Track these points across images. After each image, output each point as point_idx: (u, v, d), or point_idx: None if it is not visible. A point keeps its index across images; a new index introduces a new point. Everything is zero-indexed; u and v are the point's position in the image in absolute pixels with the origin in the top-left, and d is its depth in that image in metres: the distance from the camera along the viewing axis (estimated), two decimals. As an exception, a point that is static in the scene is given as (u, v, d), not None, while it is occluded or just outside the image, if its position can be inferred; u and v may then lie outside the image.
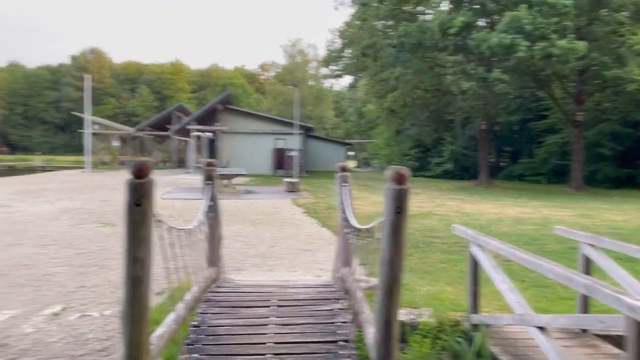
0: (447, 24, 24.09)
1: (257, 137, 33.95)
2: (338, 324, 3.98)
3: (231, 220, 12.65)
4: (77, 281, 7.29)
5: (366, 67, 35.09)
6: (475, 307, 5.22)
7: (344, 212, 5.09)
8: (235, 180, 20.99)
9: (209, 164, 5.67)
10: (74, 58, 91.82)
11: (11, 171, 47.22)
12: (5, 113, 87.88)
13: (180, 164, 41.65)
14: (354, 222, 4.59)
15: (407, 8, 29.65)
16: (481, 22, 27.38)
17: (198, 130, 31.91)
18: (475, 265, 5.14)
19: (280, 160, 33.83)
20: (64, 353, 4.98)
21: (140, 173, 2.85)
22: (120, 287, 6.97)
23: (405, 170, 3.01)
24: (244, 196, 18.72)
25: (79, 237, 10.42)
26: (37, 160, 69.83)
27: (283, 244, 10.03)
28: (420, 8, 30.29)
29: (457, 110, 34.09)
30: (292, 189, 21.07)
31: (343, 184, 5.40)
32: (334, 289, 5.00)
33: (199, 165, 32.73)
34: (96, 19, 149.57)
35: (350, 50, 41.20)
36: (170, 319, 3.55)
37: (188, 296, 3.87)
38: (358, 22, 34.43)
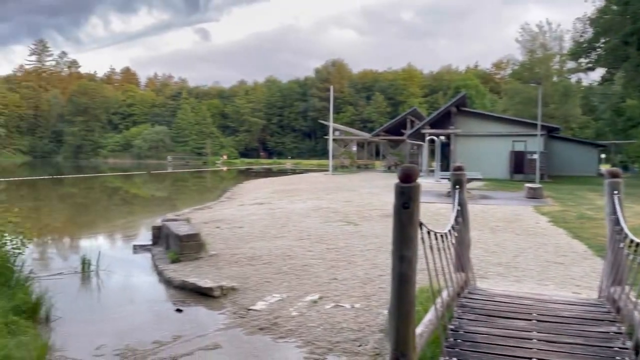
0: None
1: (492, 140, 32.45)
2: (616, 349, 3.50)
3: (469, 226, 12.33)
4: (330, 274, 8.02)
5: (627, 57, 30.35)
6: None
7: (616, 223, 4.46)
8: (469, 185, 20.42)
9: (457, 169, 5.61)
10: (317, 71, 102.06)
11: (268, 173, 54.90)
12: (264, 123, 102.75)
13: (413, 167, 42.41)
14: (630, 235, 3.99)
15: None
16: None
17: (432, 134, 32.08)
18: None
19: (519, 163, 31.66)
20: (323, 338, 5.51)
21: (408, 178, 2.98)
22: (368, 283, 7.42)
23: None
24: (480, 201, 18.08)
25: (327, 234, 11.48)
26: (288, 163, 79.71)
27: (528, 254, 9.33)
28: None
29: None
30: (534, 195, 19.49)
31: (614, 192, 4.74)
32: (604, 310, 4.43)
33: (431, 169, 32.86)
34: (335, 32, 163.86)
35: (605, 40, 36.13)
36: (427, 319, 3.62)
37: (442, 299, 3.89)
38: (616, 8, 30.00)
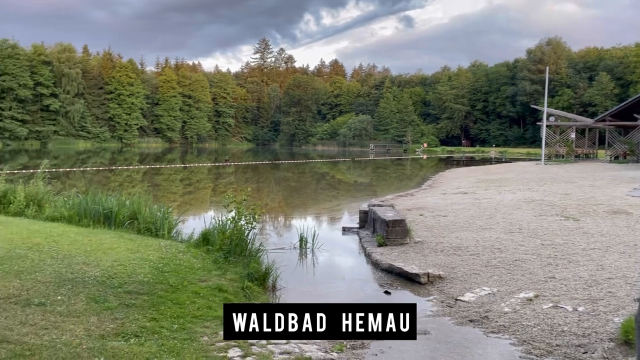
0: None
1: None
2: None
3: None
4: (546, 271, 7.35)
5: None
6: None
7: None
8: None
9: None
10: (529, 52, 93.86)
11: (470, 161, 52.83)
12: (468, 109, 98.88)
13: (646, 157, 36.33)
14: None
15: None
16: None
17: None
18: None
19: None
20: (541, 339, 5.08)
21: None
22: (593, 286, 6.60)
23: None
24: None
25: (542, 228, 10.54)
26: (492, 151, 75.55)
27: None
28: None
29: None
30: None
31: None
32: None
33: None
34: (553, 8, 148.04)
35: None
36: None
37: None
38: None
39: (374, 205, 11.41)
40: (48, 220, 9.31)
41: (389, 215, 9.86)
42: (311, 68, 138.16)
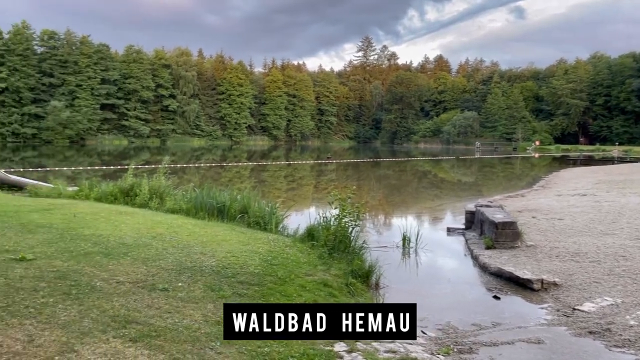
0: None
1: None
2: None
3: None
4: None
5: None
6: None
7: None
8: None
9: None
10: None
11: (589, 161, 48.72)
12: (586, 104, 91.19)
13: None
14: None
15: None
16: None
17: None
18: None
19: None
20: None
21: None
22: None
23: None
24: None
25: (676, 236, 9.45)
26: (615, 150, 69.05)
27: None
28: None
29: None
30: None
31: None
32: None
33: None
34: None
35: None
36: None
37: None
38: None
39: (481, 206, 10.96)
40: (168, 212, 10.10)
41: (498, 216, 9.42)
42: (414, 64, 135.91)
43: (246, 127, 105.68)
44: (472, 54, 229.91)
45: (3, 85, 74.36)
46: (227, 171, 31.26)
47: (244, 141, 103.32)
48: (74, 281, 4.85)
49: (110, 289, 4.76)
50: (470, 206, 11.85)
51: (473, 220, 10.95)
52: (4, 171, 17.46)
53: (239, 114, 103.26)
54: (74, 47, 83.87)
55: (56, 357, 3.29)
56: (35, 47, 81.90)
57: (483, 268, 7.93)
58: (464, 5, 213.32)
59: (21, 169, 25.20)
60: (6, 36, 78.03)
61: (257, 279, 5.68)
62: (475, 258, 8.57)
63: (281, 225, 9.54)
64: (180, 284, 5.18)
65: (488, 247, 8.86)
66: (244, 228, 9.03)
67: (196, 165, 35.42)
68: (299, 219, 11.03)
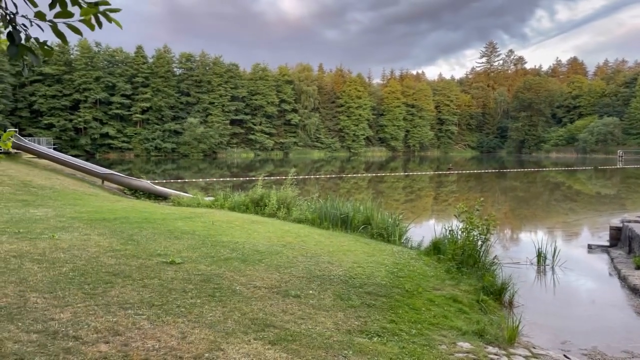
0: None
1: None
2: None
3: None
4: None
5: None
6: None
7: None
8: None
9: None
10: None
11: None
12: None
13: None
14: None
15: None
16: None
17: None
18: None
19: None
20: None
21: None
22: None
23: None
24: None
25: None
26: None
27: None
28: None
29: None
30: None
31: None
32: None
33: None
34: None
35: None
36: None
37: None
38: None
39: (629, 221, 9.88)
40: (295, 222, 10.53)
41: (650, 233, 8.42)
42: (544, 68, 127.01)
43: (364, 139, 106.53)
44: (611, 54, 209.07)
45: (148, 104, 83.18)
46: (345, 182, 31.75)
47: (362, 152, 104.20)
48: (216, 284, 5.25)
49: (248, 293, 5.07)
50: (616, 221, 10.75)
51: (619, 237, 9.91)
52: (150, 182, 19.50)
53: (357, 125, 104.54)
54: (207, 68, 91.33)
55: (206, 354, 3.59)
56: (175, 69, 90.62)
57: (634, 290, 7.13)
58: (601, 1, 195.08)
59: (163, 180, 27.95)
60: (150, 60, 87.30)
61: (385, 290, 5.68)
62: (623, 279, 7.73)
63: (405, 237, 9.45)
64: (311, 292, 5.36)
65: (638, 267, 7.94)
66: (368, 239, 9.10)
67: (316, 176, 36.47)
68: (422, 232, 10.84)
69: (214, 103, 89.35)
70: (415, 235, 9.58)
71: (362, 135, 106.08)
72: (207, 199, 14.08)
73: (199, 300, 4.71)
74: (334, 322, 4.59)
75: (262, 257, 6.59)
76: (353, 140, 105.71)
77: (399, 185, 30.69)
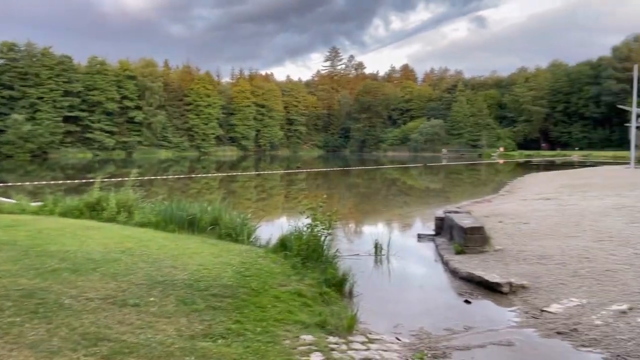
0: None
1: None
2: None
3: None
4: (641, 282, 6.86)
5: None
6: None
7: None
8: None
9: None
10: (615, 49, 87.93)
11: (551, 166, 50.20)
12: (547, 111, 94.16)
13: None
14: None
15: None
16: None
17: None
18: None
19: None
20: (636, 354, 4.77)
21: None
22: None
23: None
24: None
25: (635, 236, 9.82)
26: (575, 155, 71.40)
27: None
28: None
29: None
30: None
31: None
32: None
33: None
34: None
35: None
36: None
37: None
38: None
39: (450, 212, 11.17)
40: (137, 226, 9.92)
41: (466, 222, 9.61)
42: (381, 73, 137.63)
43: (214, 138, 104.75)
44: (437, 62, 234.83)
45: (-41, 98, 71.95)
46: (195, 182, 30.89)
47: (213, 152, 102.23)
48: (41, 299, 4.71)
49: (79, 306, 4.64)
50: (439, 212, 12.05)
51: (442, 226, 11.14)
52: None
53: (206, 124, 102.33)
54: (34, 59, 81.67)
55: (25, 379, 3.19)
56: (-6, 59, 79.48)
57: (454, 273, 8.08)
58: (427, 14, 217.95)
59: (-20, 185, 24.30)
60: (-39, 48, 75.60)
61: (231, 291, 5.64)
62: (445, 263, 8.72)
63: (253, 236, 9.49)
64: (152, 299, 5.09)
65: (458, 253, 9.02)
66: (216, 240, 8.94)
67: (163, 177, 34.88)
68: (271, 230, 10.97)
69: (43, 98, 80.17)
70: (265, 234, 9.67)
71: (212, 134, 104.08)
72: (34, 204, 12.58)
73: (18, 319, 4.18)
74: (176, 328, 4.42)
75: (96, 266, 6.08)
76: (203, 140, 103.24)
77: (251, 185, 30.77)
